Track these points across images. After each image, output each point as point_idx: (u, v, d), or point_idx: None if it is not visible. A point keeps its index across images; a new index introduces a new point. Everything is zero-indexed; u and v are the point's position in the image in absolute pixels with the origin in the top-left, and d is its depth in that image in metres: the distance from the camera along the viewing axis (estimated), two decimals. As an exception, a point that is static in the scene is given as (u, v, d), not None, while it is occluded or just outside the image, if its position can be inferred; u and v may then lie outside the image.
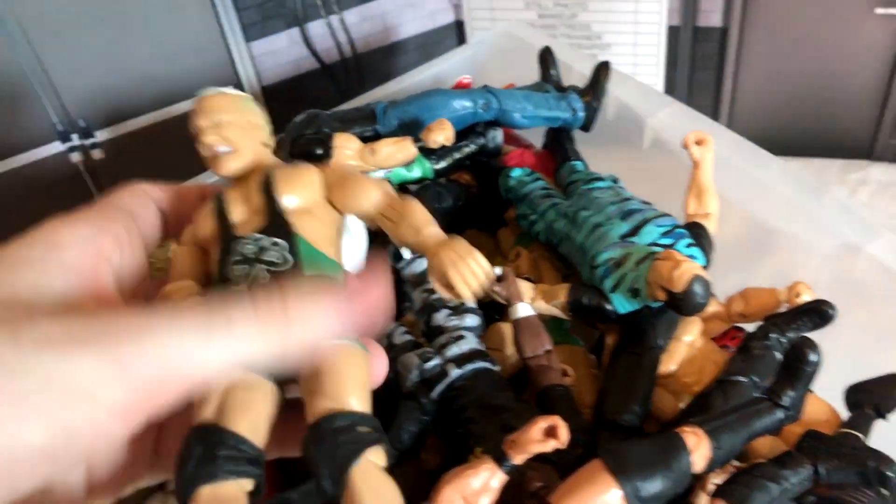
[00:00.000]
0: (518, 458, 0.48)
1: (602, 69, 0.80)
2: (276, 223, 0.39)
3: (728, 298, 0.71)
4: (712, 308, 0.72)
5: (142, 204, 0.42)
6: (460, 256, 0.41)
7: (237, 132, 0.42)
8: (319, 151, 0.72)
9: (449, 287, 0.41)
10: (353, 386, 0.35)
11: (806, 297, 0.66)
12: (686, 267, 0.57)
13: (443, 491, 0.48)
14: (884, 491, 0.55)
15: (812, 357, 0.53)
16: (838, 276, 0.69)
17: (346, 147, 0.72)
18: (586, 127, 0.79)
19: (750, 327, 0.69)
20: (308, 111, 0.76)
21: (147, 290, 0.40)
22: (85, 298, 0.33)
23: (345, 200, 0.43)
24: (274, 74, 1.08)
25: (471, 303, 0.64)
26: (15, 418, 0.25)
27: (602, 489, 0.48)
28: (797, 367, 0.54)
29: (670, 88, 1.13)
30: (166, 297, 0.38)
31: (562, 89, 0.82)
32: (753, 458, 0.59)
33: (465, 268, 0.41)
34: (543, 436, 0.47)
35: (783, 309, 0.67)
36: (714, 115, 1.14)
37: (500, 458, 0.48)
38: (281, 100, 1.09)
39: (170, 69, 1.02)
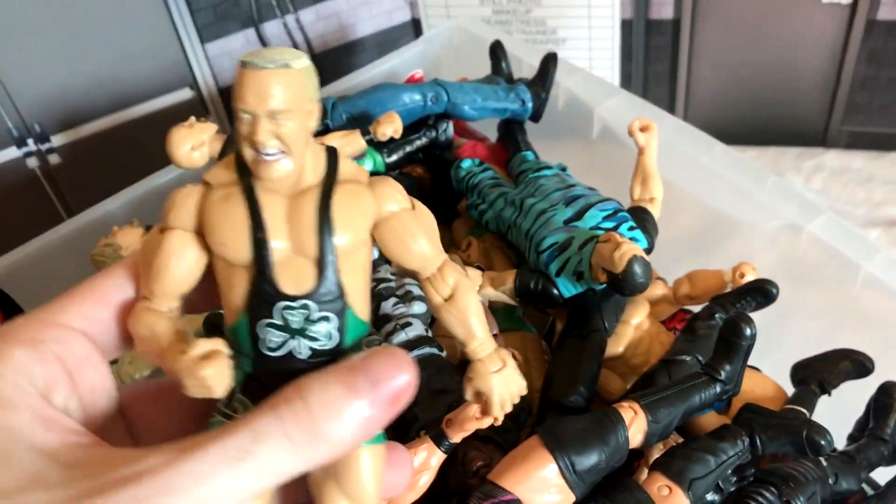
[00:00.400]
0: (455, 437, 0.48)
1: (549, 60, 0.81)
2: (328, 285, 0.32)
3: (675, 281, 0.72)
4: (660, 291, 0.74)
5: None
6: (508, 388, 0.37)
7: (295, 128, 0.31)
8: None
9: (482, 404, 0.38)
10: (370, 483, 0.33)
11: (750, 277, 0.67)
12: (626, 248, 0.58)
13: None
14: (823, 462, 0.57)
15: (746, 331, 0.54)
16: (782, 255, 0.70)
17: None
18: (535, 117, 0.80)
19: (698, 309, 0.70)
20: None
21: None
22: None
23: (396, 252, 0.34)
24: (231, 75, 1.09)
25: (418, 290, 0.64)
26: None
27: (538, 464, 0.49)
28: (731, 342, 0.55)
29: (626, 81, 1.15)
30: (161, 353, 0.32)
31: (512, 82, 0.83)
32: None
33: (508, 400, 0.37)
34: (479, 413, 0.47)
35: (729, 289, 0.69)
36: (670, 106, 1.16)
37: (439, 438, 0.49)
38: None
39: (125, 72, 1.02)
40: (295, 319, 0.32)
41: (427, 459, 0.49)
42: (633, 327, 0.69)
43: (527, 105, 0.78)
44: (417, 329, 0.61)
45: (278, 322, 0.32)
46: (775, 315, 0.67)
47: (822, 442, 0.52)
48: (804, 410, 0.63)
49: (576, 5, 1.08)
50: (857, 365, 0.65)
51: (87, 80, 1.01)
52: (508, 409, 0.38)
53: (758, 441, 0.54)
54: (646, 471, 0.55)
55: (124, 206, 0.81)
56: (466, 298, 0.36)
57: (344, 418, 0.28)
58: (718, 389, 0.55)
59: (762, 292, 0.65)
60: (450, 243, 0.83)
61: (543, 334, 0.73)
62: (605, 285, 0.62)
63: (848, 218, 1.06)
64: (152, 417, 0.36)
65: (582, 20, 1.09)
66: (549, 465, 0.48)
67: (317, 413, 0.28)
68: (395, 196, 0.34)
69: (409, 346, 0.60)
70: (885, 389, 0.61)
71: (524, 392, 0.38)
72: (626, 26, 1.09)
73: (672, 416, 0.53)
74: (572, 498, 0.49)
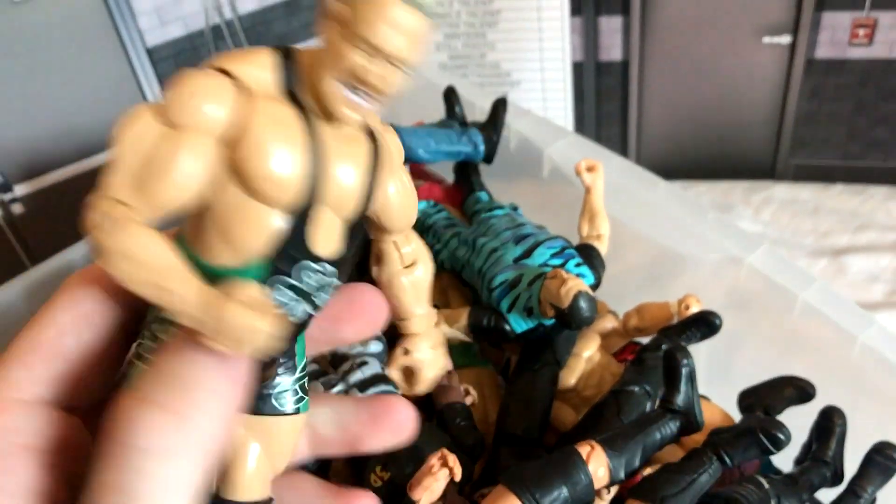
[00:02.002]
0: (423, 499, 0.50)
1: (499, 105, 0.84)
2: (349, 249, 0.29)
3: (625, 314, 0.75)
4: (610, 324, 0.76)
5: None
6: (436, 368, 0.39)
7: (400, 84, 0.28)
8: None
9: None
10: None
11: (695, 309, 0.70)
12: (571, 284, 0.61)
13: None
14: (765, 485, 0.59)
15: (681, 357, 0.56)
16: (725, 287, 0.73)
17: None
18: (488, 159, 0.83)
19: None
20: None
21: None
22: None
23: (394, 211, 0.33)
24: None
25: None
26: None
27: None
28: (673, 372, 0.57)
29: (579, 121, 1.18)
30: (168, 287, 0.25)
31: (465, 125, 0.86)
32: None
33: (433, 380, 0.40)
34: (438, 468, 0.50)
35: (675, 321, 0.71)
36: (623, 144, 1.20)
37: None
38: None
39: (88, 121, 1.04)
40: (310, 283, 0.28)
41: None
42: (585, 360, 0.71)
43: (479, 148, 0.81)
44: (374, 368, 0.63)
45: (294, 282, 0.28)
46: (722, 345, 0.70)
47: (779, 434, 0.53)
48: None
49: (528, 49, 1.12)
50: (799, 391, 0.67)
51: (50, 130, 1.03)
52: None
53: (724, 456, 0.55)
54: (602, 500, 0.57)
55: (87, 254, 0.82)
56: (426, 269, 0.37)
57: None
58: (678, 423, 0.57)
59: (706, 323, 0.68)
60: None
61: (500, 370, 0.75)
62: (554, 320, 0.65)
63: (796, 248, 1.10)
64: None
65: (534, 63, 1.13)
66: (512, 502, 0.50)
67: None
68: (400, 153, 0.33)
69: (366, 384, 0.61)
70: (826, 414, 0.63)
71: (448, 369, 0.39)
72: (577, 68, 1.13)
73: (632, 449, 0.55)
74: None
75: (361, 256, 0.47)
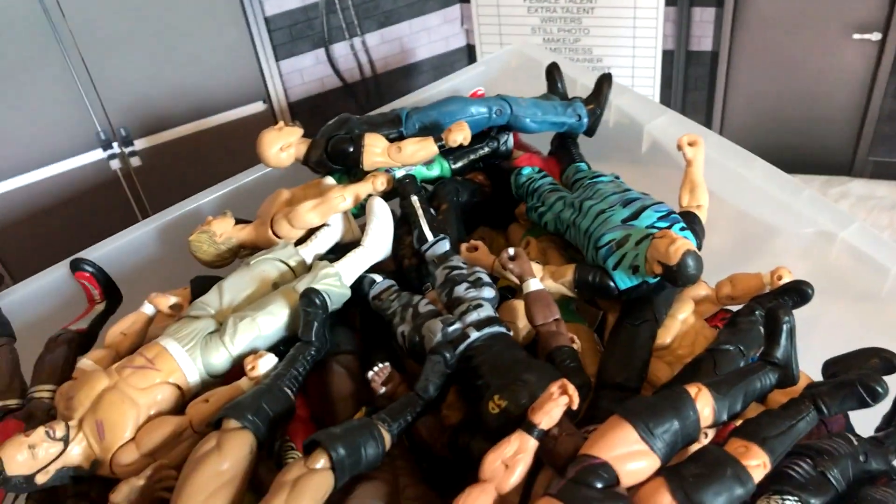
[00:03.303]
0: (542, 423, 0.55)
1: (605, 80, 0.88)
2: None
3: (718, 283, 0.79)
4: (703, 291, 0.80)
5: None
6: None
7: None
8: (350, 149, 0.80)
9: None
10: None
11: (787, 279, 0.74)
12: (680, 243, 0.65)
13: (487, 458, 0.56)
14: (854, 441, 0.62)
15: (783, 315, 0.61)
16: (816, 261, 0.77)
17: (375, 146, 0.81)
18: (590, 132, 0.88)
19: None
20: (339, 115, 0.85)
21: None
22: None
23: None
24: (301, 91, 1.17)
25: (486, 277, 0.71)
26: None
27: (620, 432, 0.55)
28: (775, 327, 0.61)
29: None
30: None
31: (567, 100, 0.91)
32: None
33: None
34: (558, 396, 0.55)
35: (767, 290, 0.75)
36: (706, 133, 1.23)
37: (528, 427, 0.56)
38: (306, 115, 1.18)
39: (205, 84, 1.11)
40: None
41: (521, 447, 0.55)
42: (680, 321, 0.75)
43: (583, 120, 0.86)
44: (488, 310, 0.68)
45: None
46: (808, 315, 0.73)
47: (878, 387, 0.56)
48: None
49: (621, 35, 1.16)
50: (885, 362, 0.70)
51: (170, 90, 1.10)
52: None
53: (821, 405, 0.58)
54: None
55: (214, 200, 0.89)
56: None
57: None
58: (776, 375, 0.61)
59: (798, 292, 0.72)
60: (506, 245, 0.90)
61: (594, 327, 0.79)
62: (657, 279, 0.69)
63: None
64: None
65: (626, 49, 1.18)
66: (628, 431, 0.55)
67: None
68: None
69: (482, 324, 0.66)
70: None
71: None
72: (668, 56, 1.17)
73: (734, 394, 0.58)
74: (657, 462, 0.54)
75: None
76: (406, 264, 0.79)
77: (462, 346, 0.65)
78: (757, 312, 0.72)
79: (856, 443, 0.62)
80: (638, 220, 0.72)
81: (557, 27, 1.19)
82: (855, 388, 0.58)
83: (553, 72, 0.93)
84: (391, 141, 0.82)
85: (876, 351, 0.71)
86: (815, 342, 0.74)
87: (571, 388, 0.56)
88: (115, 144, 1.10)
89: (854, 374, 0.60)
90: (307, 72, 1.16)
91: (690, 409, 0.57)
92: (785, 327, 0.61)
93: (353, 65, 1.19)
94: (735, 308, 0.77)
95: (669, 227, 0.71)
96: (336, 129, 0.83)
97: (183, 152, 1.14)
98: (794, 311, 0.70)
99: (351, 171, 0.83)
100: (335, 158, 0.81)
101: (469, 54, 1.25)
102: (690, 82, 1.19)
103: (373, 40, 1.18)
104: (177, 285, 0.78)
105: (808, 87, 1.16)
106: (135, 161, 1.12)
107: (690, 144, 0.78)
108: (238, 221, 0.83)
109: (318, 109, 1.19)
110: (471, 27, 1.22)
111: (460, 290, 0.70)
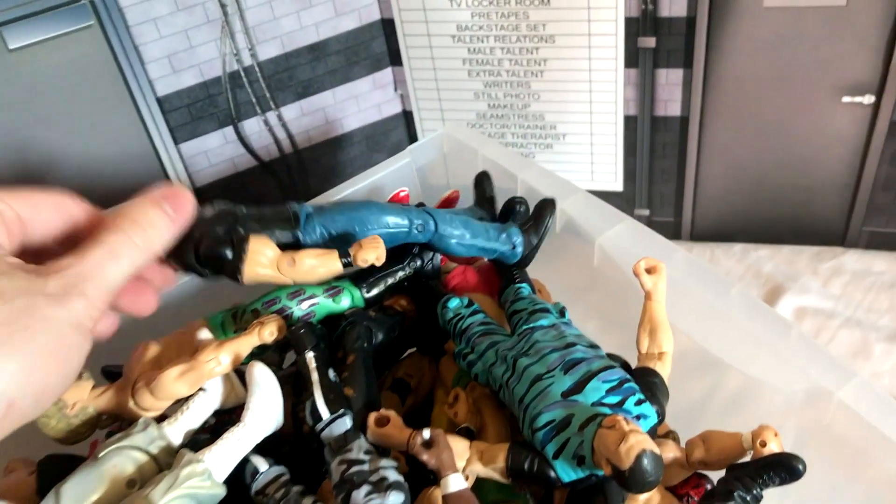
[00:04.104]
0: None
1: (547, 206, 0.74)
2: None
3: (688, 443, 0.65)
4: (672, 454, 0.66)
5: None
6: None
7: None
8: (229, 255, 0.63)
9: None
10: None
11: (773, 446, 0.60)
12: (633, 440, 0.51)
13: None
14: None
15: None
16: (808, 422, 0.62)
17: (261, 253, 0.64)
18: (523, 263, 0.73)
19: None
20: (221, 206, 0.67)
21: None
22: None
23: None
24: (209, 174, 1.02)
25: (394, 475, 0.56)
26: None
27: None
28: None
29: (630, 176, 1.08)
30: None
31: (494, 213, 0.77)
32: None
33: None
34: None
35: (748, 457, 0.61)
36: (678, 202, 1.09)
37: None
38: (220, 199, 1.03)
39: (96, 176, 0.96)
40: None
41: None
42: (642, 503, 0.61)
43: (516, 250, 0.72)
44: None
45: None
46: (805, 489, 0.60)
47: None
48: None
49: (576, 101, 1.01)
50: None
51: (60, 183, 0.94)
52: None
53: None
54: None
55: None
56: None
57: (160, 225, 0.50)
58: None
59: (787, 468, 0.58)
60: (438, 381, 0.76)
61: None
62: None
63: (870, 330, 0.99)
64: None
65: (583, 115, 1.02)
66: None
67: (146, 227, 0.48)
68: None
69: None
70: None
71: None
72: (631, 122, 1.02)
73: None
74: None
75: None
76: (307, 429, 0.64)
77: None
78: (737, 494, 0.58)
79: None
80: (582, 393, 0.57)
81: (503, 92, 1.03)
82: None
83: (482, 182, 0.78)
84: (285, 248, 0.66)
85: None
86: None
87: None
88: None
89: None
90: (213, 153, 1.00)
91: None
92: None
93: (268, 141, 1.03)
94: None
95: (622, 403, 0.57)
96: (214, 222, 0.66)
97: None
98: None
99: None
100: (208, 264, 0.64)
101: (406, 121, 1.10)
102: (658, 149, 1.04)
103: (290, 113, 1.02)
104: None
105: (794, 153, 1.02)
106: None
107: (649, 272, 0.64)
108: (107, 375, 0.67)
109: (234, 191, 1.03)
110: (405, 92, 1.07)
111: (359, 496, 0.55)
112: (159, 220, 0.49)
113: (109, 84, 0.91)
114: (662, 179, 1.08)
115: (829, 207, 1.05)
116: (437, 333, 0.76)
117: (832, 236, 1.08)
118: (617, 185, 1.09)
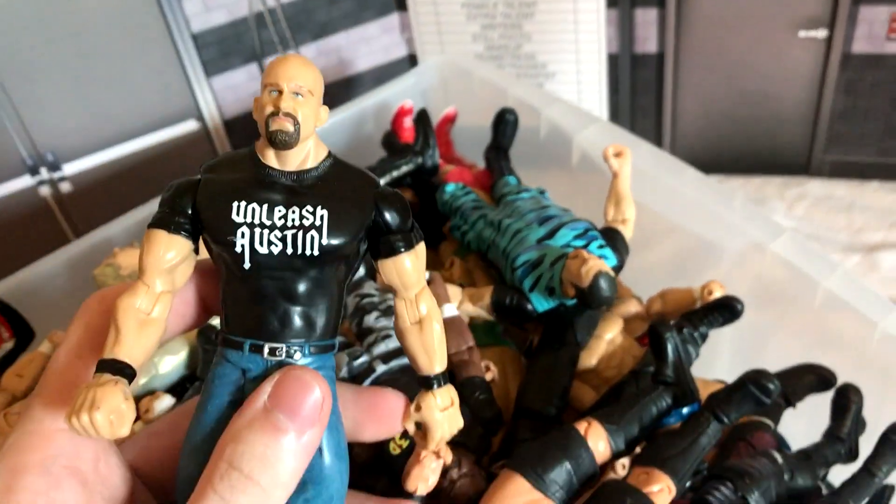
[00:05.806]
0: (419, 490, 0.48)
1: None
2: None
3: (648, 299, 0.76)
4: (634, 308, 0.77)
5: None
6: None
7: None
8: None
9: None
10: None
11: (718, 294, 0.71)
12: (591, 264, 0.62)
13: None
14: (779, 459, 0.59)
15: (664, 331, 0.60)
16: (750, 274, 0.73)
17: None
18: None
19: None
20: None
21: None
22: None
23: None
24: (235, 108, 1.14)
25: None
26: None
27: (510, 485, 0.52)
28: (659, 344, 0.59)
29: (614, 114, 1.19)
30: None
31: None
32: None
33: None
34: (426, 460, 0.48)
35: (698, 306, 0.72)
36: (657, 137, 1.20)
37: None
38: (243, 132, 1.15)
39: (134, 105, 1.08)
40: None
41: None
42: (606, 342, 0.72)
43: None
44: (397, 341, 0.64)
45: None
46: (746, 333, 0.70)
47: (769, 384, 0.55)
48: (770, 423, 0.66)
49: (564, 41, 1.13)
50: (820, 378, 0.68)
51: (98, 112, 1.06)
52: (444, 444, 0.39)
53: (720, 414, 0.56)
54: (617, 470, 0.58)
55: (126, 229, 0.85)
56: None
57: (281, 461, 0.31)
58: (670, 393, 0.58)
59: (728, 308, 0.68)
60: (435, 264, 0.87)
61: (523, 351, 0.76)
62: (575, 301, 0.66)
63: (828, 243, 1.10)
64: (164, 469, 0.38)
65: (570, 55, 1.14)
66: (519, 481, 0.52)
67: (254, 473, 0.31)
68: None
69: (391, 355, 0.63)
70: (843, 391, 0.64)
71: (460, 427, 0.39)
72: (613, 60, 1.14)
73: (629, 420, 0.57)
74: None
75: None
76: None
77: (368, 381, 0.62)
78: (685, 330, 0.69)
79: (780, 461, 0.59)
80: (553, 238, 0.69)
81: (498, 34, 1.15)
82: (747, 388, 0.56)
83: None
84: None
85: (810, 367, 0.69)
86: (755, 360, 0.71)
87: (444, 450, 0.50)
88: (42, 170, 1.07)
89: (744, 375, 0.57)
90: (241, 88, 1.13)
91: (581, 446, 0.55)
92: (669, 345, 0.59)
93: (288, 79, 1.15)
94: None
95: (586, 246, 0.68)
96: None
97: (116, 175, 1.11)
98: (731, 329, 0.68)
99: None
100: None
101: (412, 64, 1.22)
102: (638, 86, 1.15)
103: (309, 52, 1.14)
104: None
105: (759, 87, 1.13)
106: (65, 186, 1.09)
107: (616, 155, 0.75)
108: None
109: (256, 124, 1.15)
110: (411, 36, 1.19)
111: (370, 319, 0.67)
112: (280, 452, 0.32)
113: (150, 20, 1.03)
114: (643, 115, 1.19)
115: (794, 138, 1.16)
116: (435, 223, 0.87)
117: (798, 166, 1.19)
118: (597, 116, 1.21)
